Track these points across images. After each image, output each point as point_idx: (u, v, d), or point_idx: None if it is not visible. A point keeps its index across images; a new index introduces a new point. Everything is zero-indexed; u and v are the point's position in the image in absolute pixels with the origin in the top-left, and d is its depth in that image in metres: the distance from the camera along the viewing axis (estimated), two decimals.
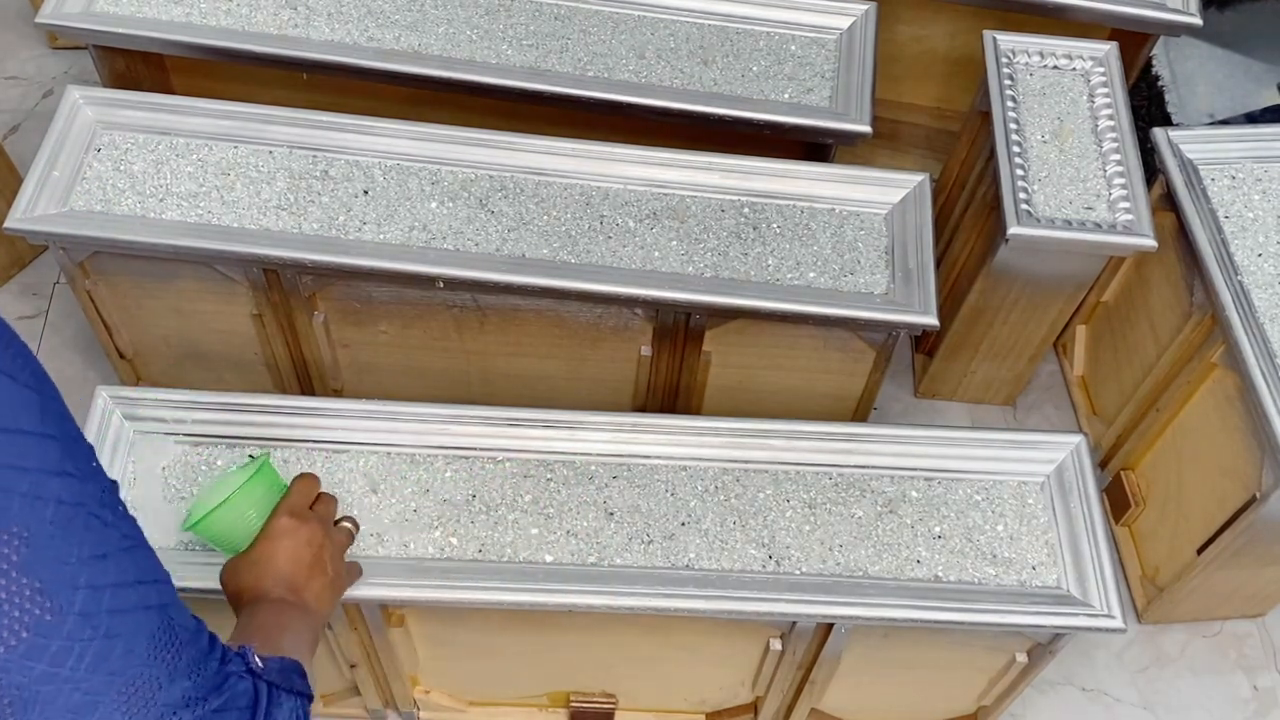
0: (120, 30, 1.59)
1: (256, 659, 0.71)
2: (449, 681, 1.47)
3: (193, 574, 1.12)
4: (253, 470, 1.04)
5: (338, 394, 1.68)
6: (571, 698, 1.48)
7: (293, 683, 0.73)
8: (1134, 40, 1.78)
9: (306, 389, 1.67)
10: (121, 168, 1.46)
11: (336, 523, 1.08)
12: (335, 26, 1.63)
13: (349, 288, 1.49)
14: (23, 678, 0.55)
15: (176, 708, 0.61)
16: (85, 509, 0.58)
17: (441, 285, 1.42)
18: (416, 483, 1.23)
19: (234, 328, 1.57)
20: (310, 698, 0.75)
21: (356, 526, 1.11)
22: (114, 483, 0.62)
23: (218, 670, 0.66)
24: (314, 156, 1.49)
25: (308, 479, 1.06)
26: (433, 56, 1.61)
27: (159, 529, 1.17)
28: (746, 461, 1.27)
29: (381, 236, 1.43)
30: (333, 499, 1.09)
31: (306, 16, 1.63)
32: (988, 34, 1.68)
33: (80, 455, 0.59)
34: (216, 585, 1.00)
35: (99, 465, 0.61)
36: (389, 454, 1.24)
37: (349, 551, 1.11)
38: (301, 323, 1.54)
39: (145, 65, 1.72)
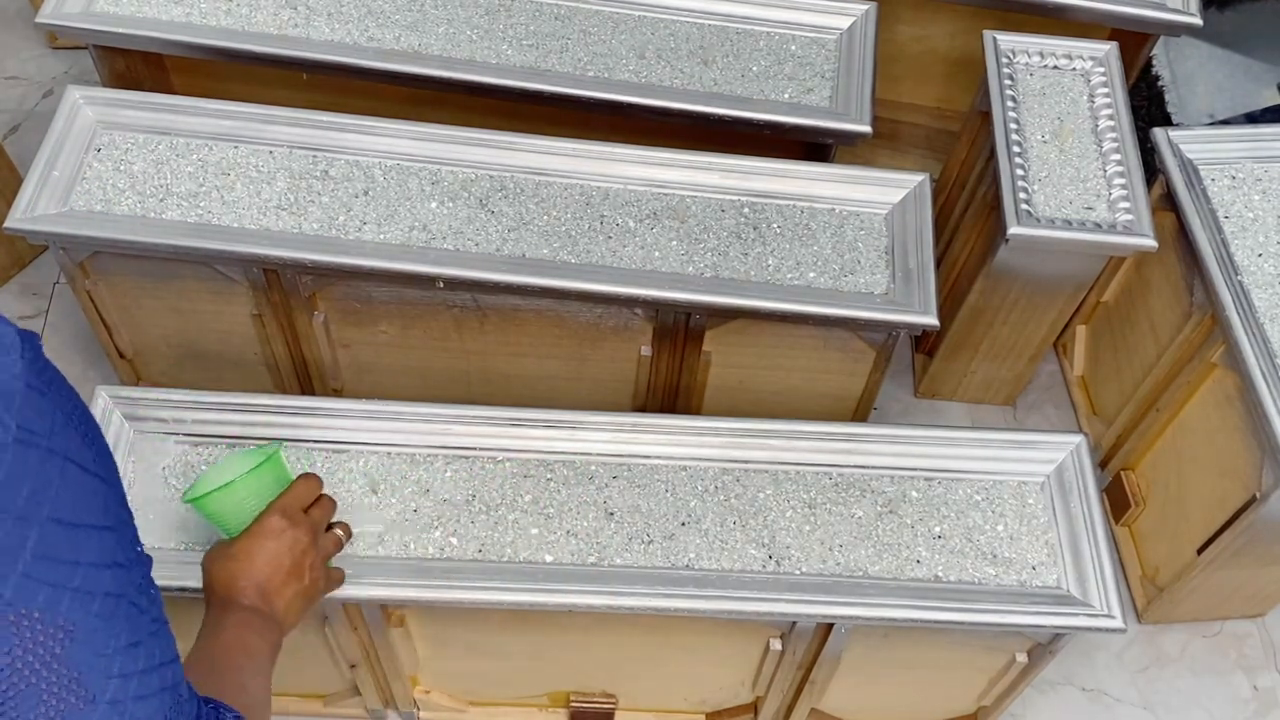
0: (120, 30, 1.59)
1: (228, 717, 0.71)
2: (449, 681, 1.47)
3: (192, 575, 1.12)
4: (261, 459, 1.04)
5: (338, 394, 1.68)
6: (571, 698, 1.48)
7: None
8: (1134, 40, 1.78)
9: (306, 389, 1.67)
10: (121, 168, 1.46)
11: (329, 528, 1.07)
12: (335, 26, 1.63)
13: (349, 288, 1.49)
14: None
15: None
16: (126, 598, 0.58)
17: (441, 285, 1.42)
18: (416, 483, 1.23)
19: (234, 328, 1.57)
20: None
21: (348, 534, 1.10)
22: (150, 560, 0.62)
23: None
24: (314, 156, 1.49)
25: (309, 480, 1.06)
26: (433, 56, 1.61)
27: (159, 529, 1.18)
28: (746, 461, 1.27)
29: (381, 236, 1.43)
30: (331, 503, 1.08)
31: (306, 16, 1.63)
32: (988, 34, 1.68)
33: (128, 543, 0.59)
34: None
35: (141, 548, 0.61)
36: (389, 454, 1.24)
37: (340, 555, 1.10)
38: (301, 323, 1.54)
39: (145, 65, 1.72)
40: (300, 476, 1.06)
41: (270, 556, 0.97)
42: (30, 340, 0.53)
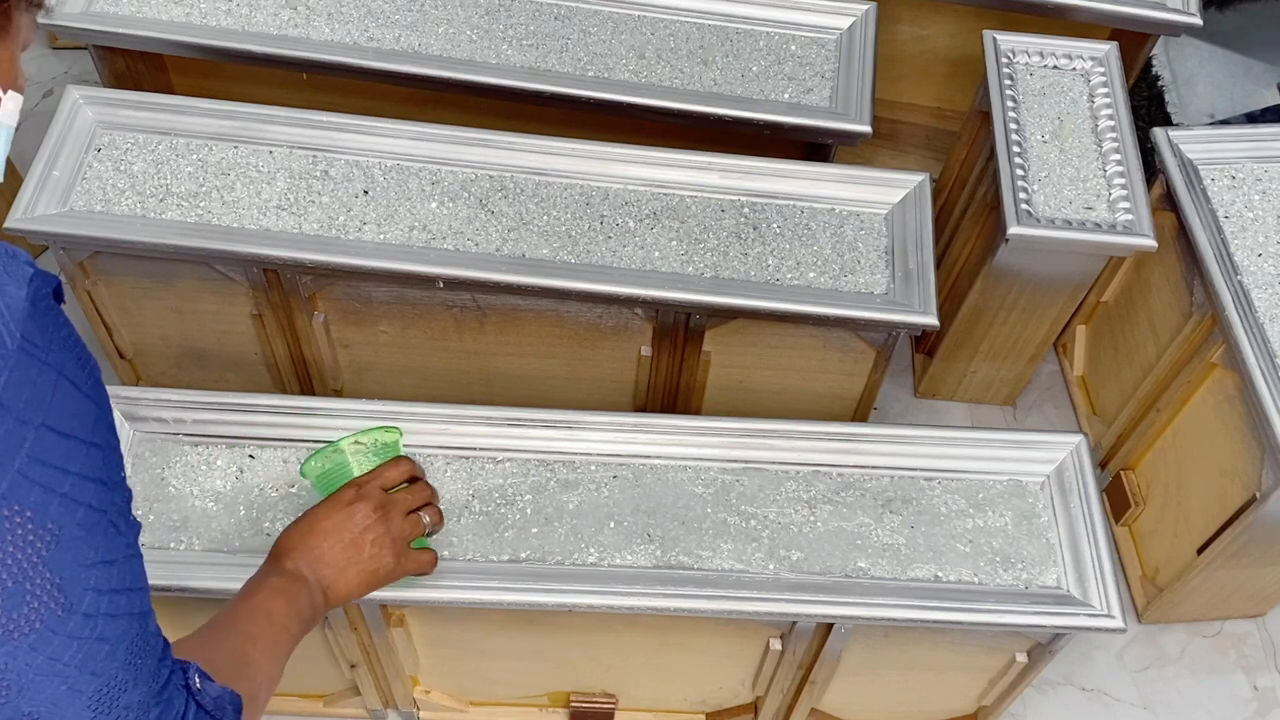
0: (120, 30, 1.59)
1: (196, 679, 0.72)
2: (449, 681, 1.47)
3: (192, 576, 1.13)
4: (376, 439, 1.09)
5: (338, 394, 1.68)
6: (571, 698, 1.48)
7: (224, 713, 0.74)
8: (1134, 40, 1.78)
9: (306, 389, 1.67)
10: (121, 168, 1.46)
11: (416, 511, 1.07)
12: (335, 26, 1.63)
13: (349, 288, 1.49)
14: (25, 665, 0.58)
15: (131, 710, 0.64)
16: (107, 516, 0.62)
17: (441, 285, 1.42)
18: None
19: (234, 328, 1.57)
20: None
21: (438, 522, 1.10)
22: (130, 492, 0.66)
23: (166, 680, 0.68)
24: (314, 156, 1.49)
25: (399, 462, 1.08)
26: (433, 56, 1.61)
27: (160, 529, 1.18)
28: (746, 461, 1.27)
29: (381, 236, 1.43)
30: (424, 489, 1.09)
31: (306, 16, 1.63)
32: (988, 34, 1.68)
33: (114, 465, 0.63)
34: (231, 586, 1.02)
35: (124, 476, 0.65)
36: None
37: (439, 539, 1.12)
38: (301, 323, 1.54)
39: (145, 65, 1.72)
40: (393, 459, 1.08)
41: (332, 525, 1.00)
42: (44, 278, 0.59)
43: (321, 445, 1.10)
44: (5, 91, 0.68)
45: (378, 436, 1.11)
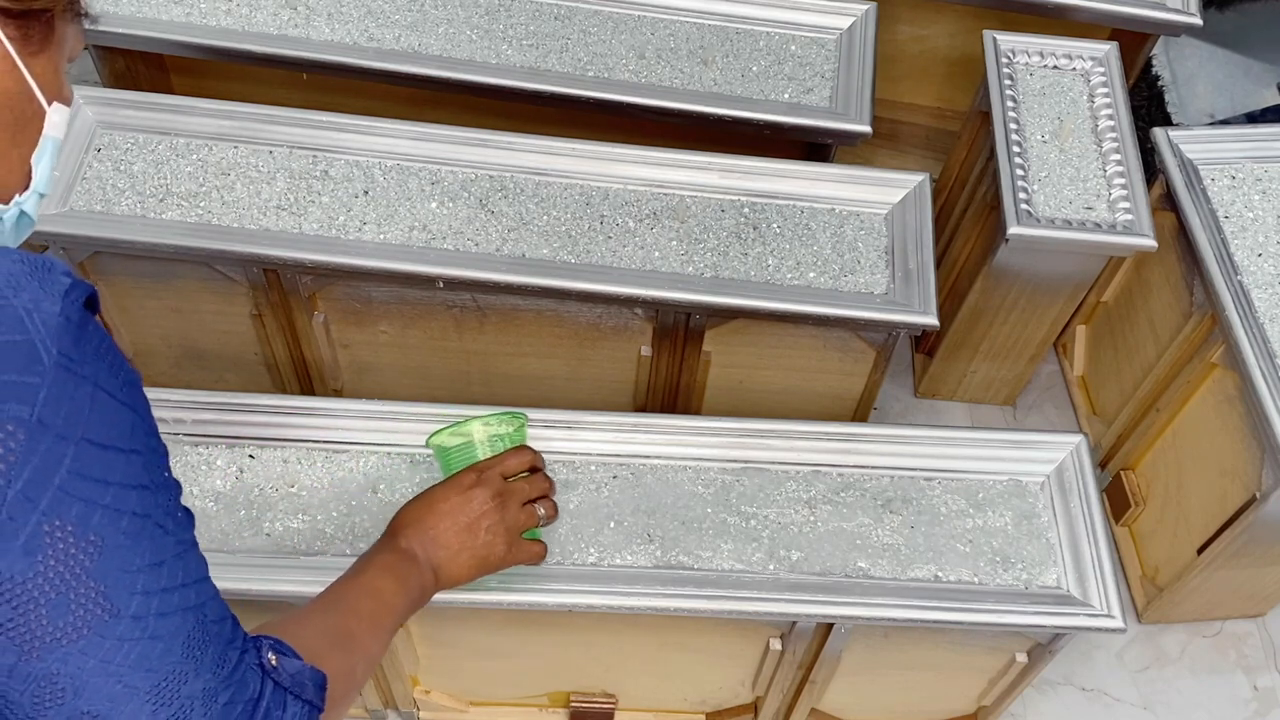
0: (120, 30, 1.59)
1: (271, 656, 0.73)
2: (449, 681, 1.47)
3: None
4: (505, 425, 1.10)
5: (338, 394, 1.68)
6: (571, 698, 1.48)
7: (303, 689, 0.74)
8: (1134, 40, 1.78)
9: (306, 389, 1.67)
10: (121, 168, 1.46)
11: (532, 502, 1.08)
12: (335, 26, 1.63)
13: (349, 288, 1.49)
14: (79, 668, 0.59)
15: (195, 699, 0.65)
16: (152, 519, 0.62)
17: (441, 285, 1.42)
18: (416, 483, 1.23)
19: (234, 328, 1.57)
20: (319, 709, 0.76)
21: (552, 514, 1.10)
22: (178, 486, 0.67)
23: (236, 663, 0.68)
24: (314, 156, 1.49)
25: (521, 451, 1.09)
26: (433, 56, 1.61)
27: None
28: (746, 461, 1.27)
29: (381, 236, 1.43)
30: (544, 480, 1.10)
31: (306, 16, 1.63)
32: (988, 34, 1.69)
33: (157, 467, 0.64)
34: (230, 586, 1.03)
35: (169, 473, 0.65)
36: (389, 454, 1.24)
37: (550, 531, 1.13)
38: (301, 323, 1.54)
39: (145, 65, 1.72)
40: (517, 447, 1.09)
41: (448, 508, 1.01)
42: (79, 289, 0.60)
43: (452, 424, 1.11)
44: (50, 103, 0.68)
45: (506, 423, 1.11)
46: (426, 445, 1.12)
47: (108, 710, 0.61)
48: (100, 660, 0.60)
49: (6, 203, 0.69)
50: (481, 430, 1.10)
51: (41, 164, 0.70)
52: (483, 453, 1.09)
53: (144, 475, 0.62)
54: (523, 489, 1.07)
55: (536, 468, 1.10)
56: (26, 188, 0.71)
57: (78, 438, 0.58)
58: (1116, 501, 1.74)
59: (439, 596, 1.15)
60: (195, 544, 0.67)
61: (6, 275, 0.58)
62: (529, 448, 1.10)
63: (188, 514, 0.67)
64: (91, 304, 0.62)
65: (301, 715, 0.73)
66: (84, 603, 0.58)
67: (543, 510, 1.09)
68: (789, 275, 1.44)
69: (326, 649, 0.81)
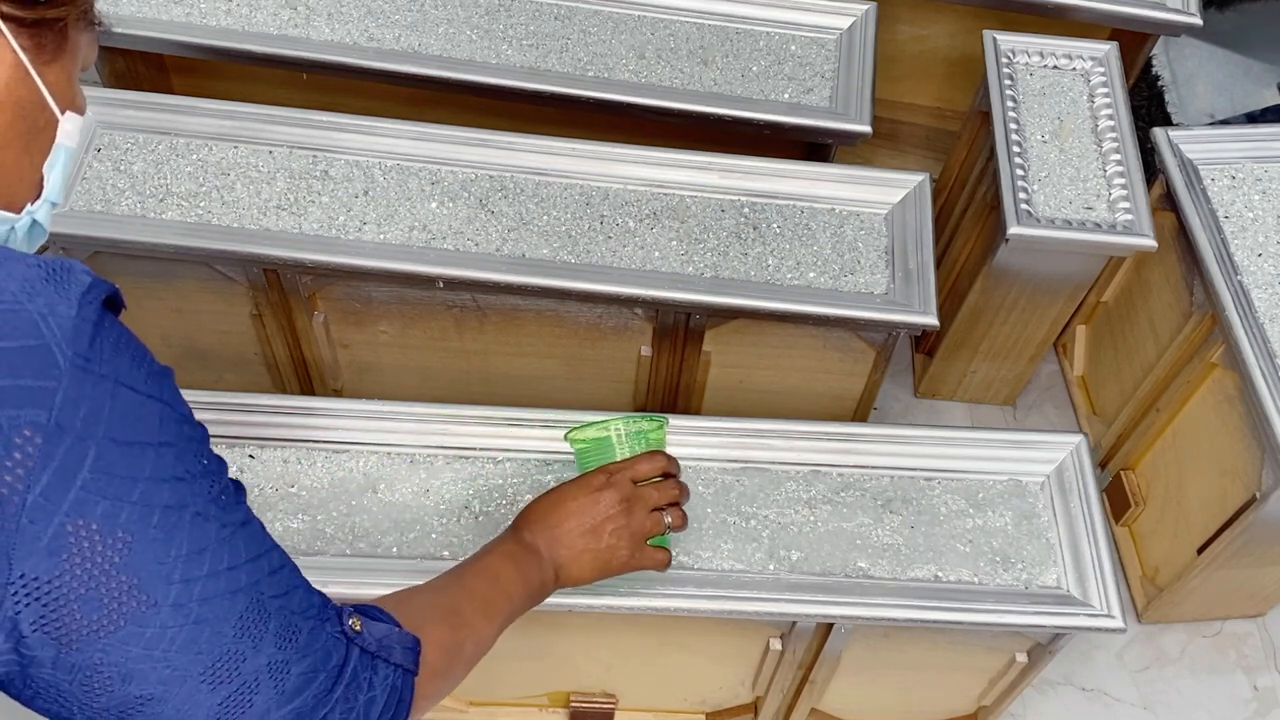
0: (120, 30, 1.59)
1: (354, 622, 0.72)
2: None
3: None
4: (644, 427, 1.10)
5: (338, 394, 1.68)
6: (571, 698, 1.48)
7: (391, 653, 0.74)
8: (1134, 40, 1.78)
9: (306, 389, 1.67)
10: (121, 168, 1.46)
11: (660, 509, 1.06)
12: (335, 26, 1.63)
13: (349, 288, 1.49)
14: (122, 658, 0.60)
15: (260, 674, 0.65)
16: (190, 509, 0.62)
17: (441, 285, 1.42)
18: (416, 483, 1.23)
19: (234, 328, 1.57)
20: (413, 673, 0.76)
21: (681, 523, 1.07)
22: (222, 466, 0.66)
23: (310, 632, 0.68)
24: (314, 156, 1.49)
25: (654, 457, 1.07)
26: (433, 56, 1.61)
27: None
28: (746, 461, 1.27)
29: (381, 236, 1.43)
30: (676, 487, 1.07)
31: (306, 16, 1.63)
32: (988, 34, 1.69)
33: (193, 455, 0.63)
34: None
35: (208, 459, 0.65)
36: (389, 454, 1.24)
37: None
38: (301, 323, 1.54)
39: (145, 65, 1.72)
40: (651, 452, 1.08)
41: (576, 507, 1.02)
42: (98, 289, 0.60)
43: (594, 421, 1.11)
44: (64, 112, 0.68)
45: (645, 427, 1.10)
46: (565, 440, 1.12)
47: (162, 693, 0.61)
48: (143, 648, 0.60)
49: (19, 211, 0.70)
50: (621, 428, 1.09)
51: (54, 173, 0.70)
52: (620, 452, 1.08)
53: (177, 467, 0.61)
54: (652, 495, 1.06)
55: (670, 474, 1.08)
56: (39, 196, 0.71)
57: (99, 437, 0.58)
58: (1116, 501, 1.74)
59: None
60: (246, 522, 0.66)
61: (22, 281, 0.58)
62: (664, 453, 1.08)
63: (236, 491, 0.66)
64: (112, 303, 0.61)
65: (394, 678, 0.73)
66: (117, 596, 0.59)
67: (670, 519, 1.07)
68: (789, 275, 1.44)
69: (428, 620, 0.81)
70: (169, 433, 0.61)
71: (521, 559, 0.98)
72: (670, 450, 1.26)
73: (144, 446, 0.60)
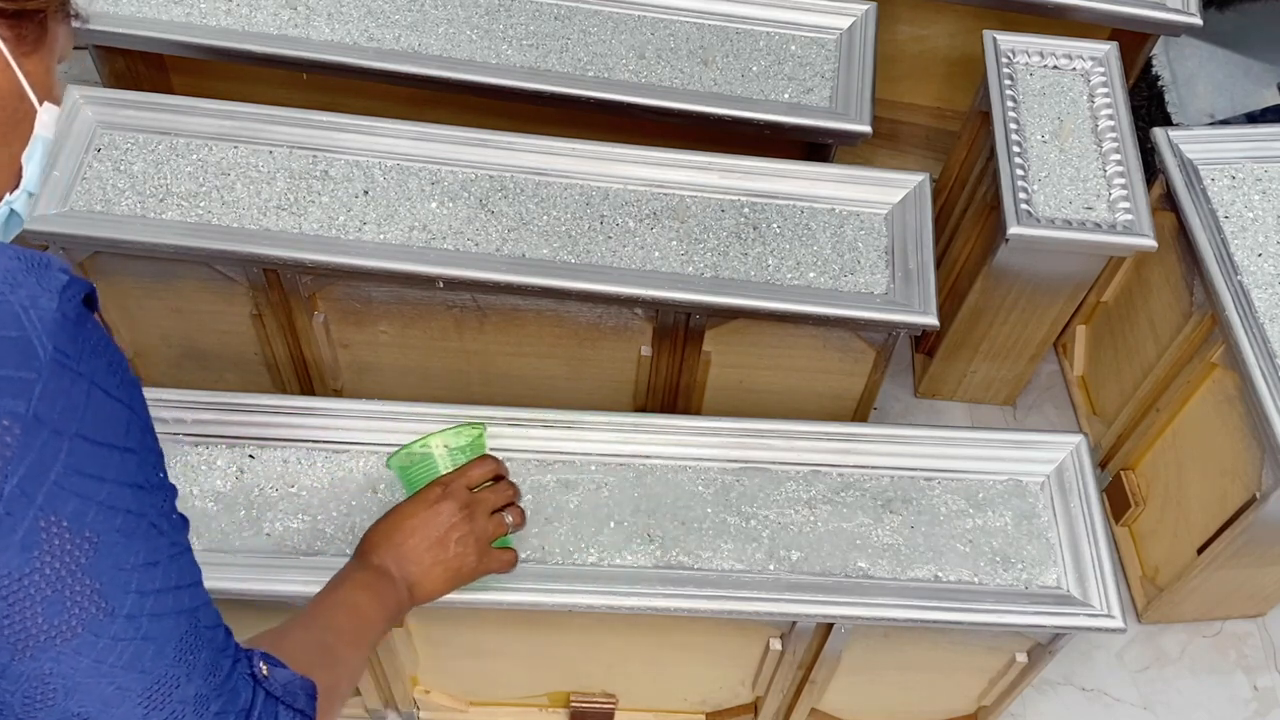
0: (120, 30, 1.59)
1: (263, 666, 0.73)
2: (449, 681, 1.47)
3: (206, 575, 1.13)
4: (463, 435, 1.10)
5: (338, 394, 1.68)
6: (571, 698, 1.48)
7: (295, 699, 0.74)
8: (1134, 40, 1.78)
9: (306, 389, 1.67)
10: (121, 168, 1.46)
11: (499, 511, 1.08)
12: (335, 26, 1.63)
13: (349, 288, 1.49)
14: (72, 668, 0.59)
15: (187, 705, 0.64)
16: (147, 519, 0.62)
17: (441, 285, 1.42)
18: None
19: (234, 328, 1.57)
20: (310, 718, 0.76)
21: (520, 521, 1.10)
22: (174, 490, 0.66)
23: (229, 672, 0.68)
24: (314, 156, 1.49)
25: (485, 461, 1.09)
26: (433, 56, 1.61)
27: None
28: (746, 461, 1.27)
29: (381, 236, 1.43)
30: (509, 488, 1.09)
31: (306, 16, 1.63)
32: (988, 34, 1.68)
33: (151, 467, 0.64)
34: (230, 586, 1.06)
35: (165, 475, 0.65)
36: (389, 454, 1.24)
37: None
38: (301, 323, 1.54)
39: (145, 65, 1.72)
40: (479, 457, 1.09)
41: (417, 523, 1.02)
42: (77, 285, 0.60)
43: (408, 441, 1.11)
44: (41, 103, 0.69)
45: (465, 433, 1.11)
46: (387, 467, 1.11)
47: (98, 713, 0.61)
48: (93, 660, 0.60)
49: None
50: (440, 445, 1.09)
51: (32, 163, 0.71)
52: (444, 466, 1.08)
53: (139, 474, 0.62)
54: (489, 498, 1.07)
55: (501, 475, 1.10)
56: (16, 187, 0.71)
57: (73, 433, 0.58)
58: (1116, 501, 1.74)
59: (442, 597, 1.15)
60: (189, 549, 0.67)
61: (3, 271, 0.58)
62: (491, 456, 1.10)
63: (183, 519, 0.67)
64: (90, 301, 0.62)
65: None
66: (79, 600, 0.58)
67: (510, 518, 1.09)
68: (789, 275, 1.44)
69: (310, 664, 0.81)
70: (134, 440, 0.62)
71: (376, 585, 0.97)
72: (670, 450, 1.27)
73: (112, 449, 0.60)
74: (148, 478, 0.63)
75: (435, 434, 1.10)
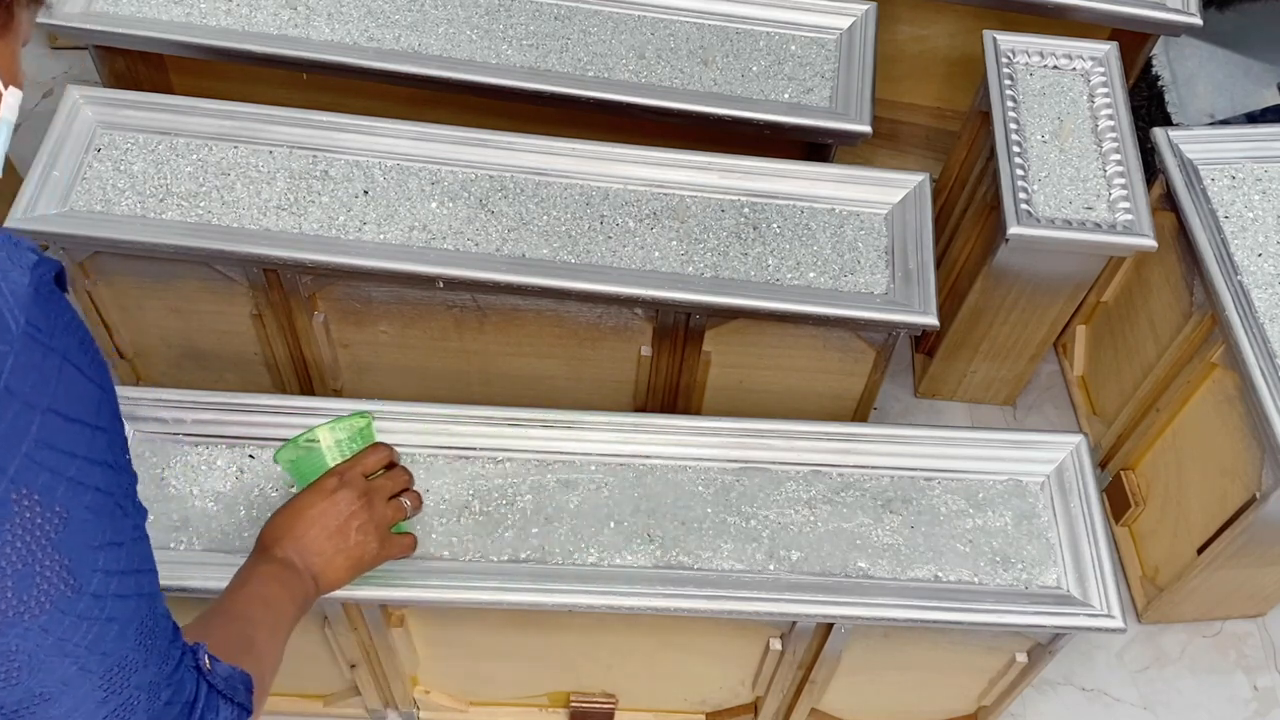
0: (120, 30, 1.59)
1: (206, 658, 0.73)
2: (449, 681, 1.47)
3: (194, 576, 1.13)
4: (349, 426, 1.10)
5: (338, 394, 1.68)
6: (571, 698, 1.48)
7: (235, 692, 0.75)
8: (1134, 40, 1.78)
9: (306, 389, 1.67)
10: (121, 168, 1.46)
11: (395, 497, 1.08)
12: (335, 26, 1.63)
13: (349, 288, 1.49)
14: (36, 646, 0.59)
15: (141, 692, 0.65)
16: (114, 499, 0.62)
17: (441, 285, 1.42)
18: (417, 483, 1.23)
19: (234, 328, 1.57)
20: (249, 712, 0.77)
21: (417, 505, 1.11)
22: (135, 476, 0.67)
23: (177, 662, 0.69)
24: (314, 156, 1.49)
25: (378, 449, 1.09)
26: (433, 56, 1.61)
27: (160, 529, 1.18)
28: (746, 461, 1.27)
29: (381, 236, 1.43)
30: (402, 473, 1.10)
31: (306, 16, 1.63)
32: (988, 34, 1.68)
33: (119, 449, 0.64)
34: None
35: (129, 460, 0.65)
36: None
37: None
38: (301, 323, 1.54)
39: (145, 65, 1.72)
40: (370, 445, 1.09)
41: (316, 514, 1.01)
42: (48, 264, 0.60)
43: (296, 437, 1.11)
44: (6, 87, 0.69)
45: (351, 424, 1.11)
46: (275, 461, 1.11)
47: (59, 692, 0.61)
48: (59, 638, 0.60)
49: None
50: (328, 436, 1.09)
51: None
52: (331, 459, 1.08)
53: (109, 453, 0.62)
54: (386, 484, 1.08)
55: (394, 462, 1.11)
56: None
57: (44, 407, 0.58)
58: (1116, 501, 1.74)
59: (440, 596, 1.15)
60: (148, 537, 0.67)
61: None
62: (383, 444, 1.10)
63: (143, 507, 0.67)
64: (60, 280, 0.61)
65: (233, 718, 0.74)
66: (49, 575, 0.58)
67: (408, 502, 1.10)
68: (789, 275, 1.44)
69: (237, 658, 0.81)
70: (105, 419, 0.62)
71: (284, 577, 0.97)
72: (670, 450, 1.27)
73: (83, 425, 0.60)
74: (117, 458, 0.63)
75: (321, 426, 1.10)
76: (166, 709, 0.67)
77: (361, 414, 1.14)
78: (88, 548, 0.60)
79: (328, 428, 1.10)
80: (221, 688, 0.73)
